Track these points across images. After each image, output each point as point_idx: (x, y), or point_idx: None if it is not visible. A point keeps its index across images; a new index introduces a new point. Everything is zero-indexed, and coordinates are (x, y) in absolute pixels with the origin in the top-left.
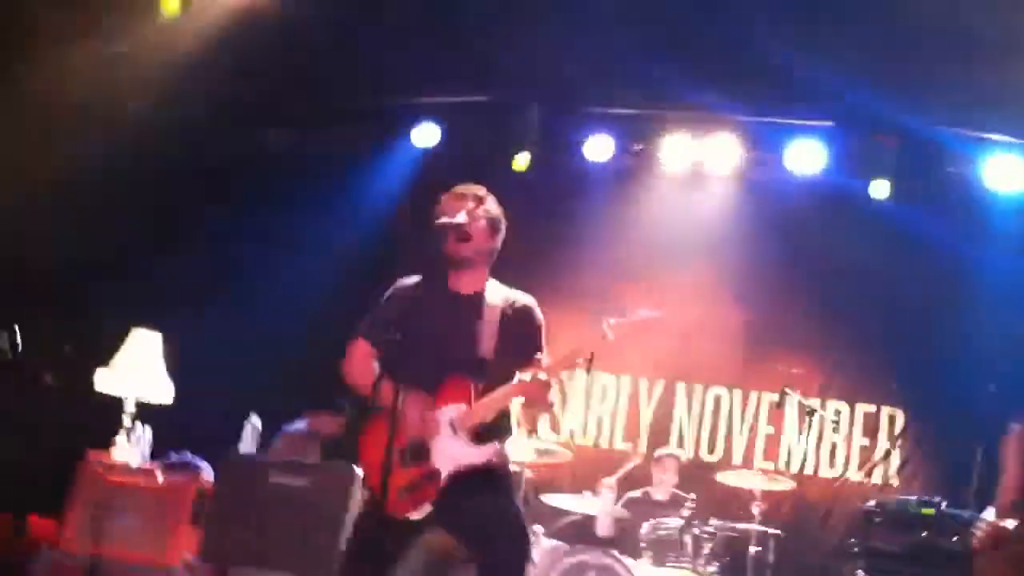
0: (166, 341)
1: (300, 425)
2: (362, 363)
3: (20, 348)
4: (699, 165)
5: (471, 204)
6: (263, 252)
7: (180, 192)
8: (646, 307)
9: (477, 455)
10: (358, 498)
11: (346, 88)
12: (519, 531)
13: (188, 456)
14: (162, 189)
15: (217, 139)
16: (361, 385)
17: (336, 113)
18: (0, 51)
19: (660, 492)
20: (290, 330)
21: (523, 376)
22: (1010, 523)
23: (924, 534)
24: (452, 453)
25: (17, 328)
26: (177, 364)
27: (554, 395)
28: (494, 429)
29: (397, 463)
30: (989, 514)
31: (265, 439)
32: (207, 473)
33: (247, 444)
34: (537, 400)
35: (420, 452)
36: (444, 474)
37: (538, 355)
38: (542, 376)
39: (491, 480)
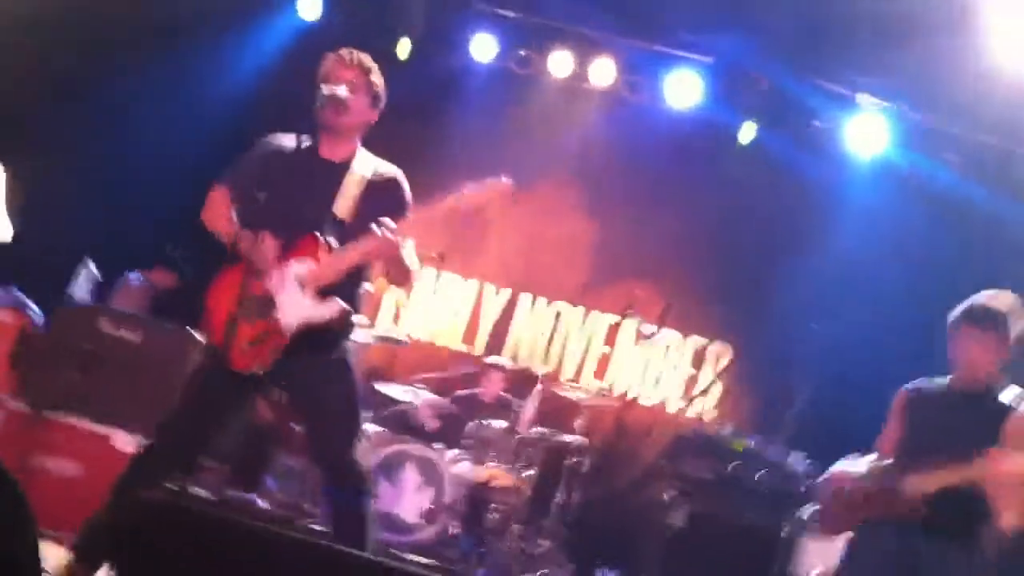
0: (14, 177)
1: (135, 275)
2: (221, 209)
3: None
4: (579, 80)
5: (356, 74)
6: (130, 98)
7: (55, 33)
8: (501, 244)
9: (320, 311)
10: (194, 359)
11: None
12: (354, 411)
13: (16, 293)
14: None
15: None
16: (223, 232)
17: None
18: None
19: (487, 395)
20: (146, 179)
21: (374, 230)
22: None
23: (733, 466)
24: (297, 309)
25: None
26: (21, 200)
27: (410, 260)
28: (342, 289)
29: (243, 316)
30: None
31: (102, 288)
32: (34, 314)
33: (81, 289)
34: (391, 262)
35: (266, 305)
36: (288, 331)
37: (398, 220)
38: (391, 236)
39: (336, 343)
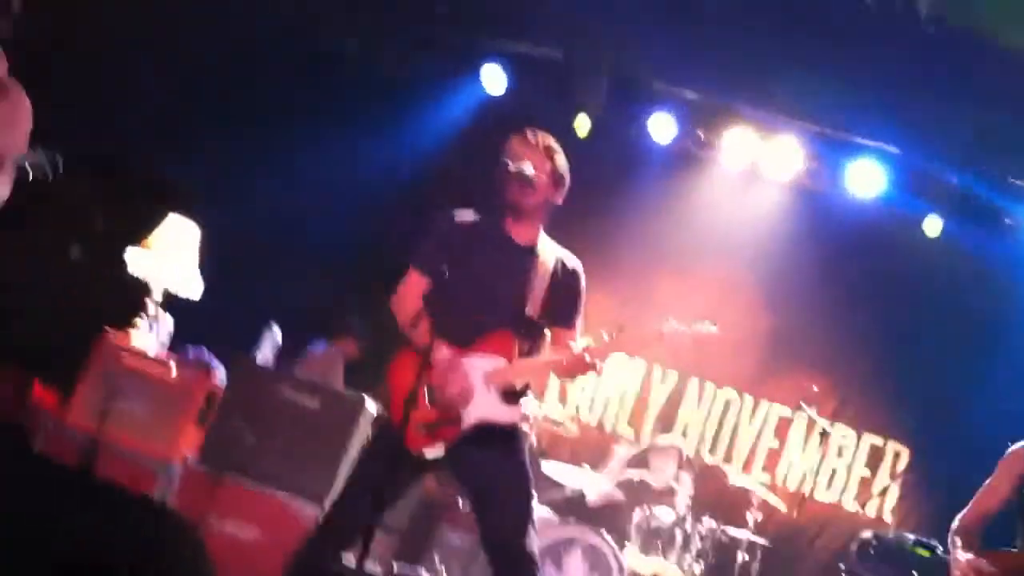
0: (204, 234)
1: (321, 343)
2: (413, 294)
3: (60, 171)
4: (757, 165)
5: (541, 155)
6: (318, 162)
7: (244, 88)
8: (705, 318)
9: (504, 413)
10: (366, 429)
11: (423, 13)
12: (527, 498)
13: (205, 354)
14: (228, 82)
15: (287, 39)
16: (401, 317)
17: (407, 36)
18: None
19: (657, 480)
20: (329, 247)
21: (573, 349)
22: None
23: (914, 574)
24: (480, 405)
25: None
26: (210, 260)
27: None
28: (524, 391)
29: (423, 399)
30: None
31: (283, 352)
32: (221, 374)
33: (264, 353)
34: (573, 375)
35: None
36: (466, 423)
37: (576, 321)
38: (587, 357)
39: (511, 441)
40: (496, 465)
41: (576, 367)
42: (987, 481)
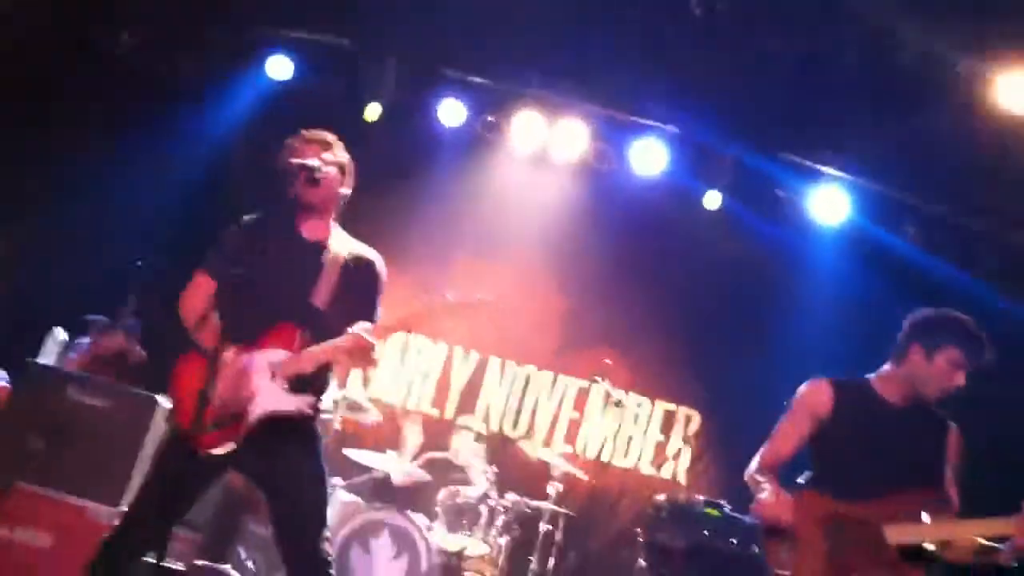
0: None
1: (85, 341)
2: (198, 297)
3: None
4: (546, 148)
5: (321, 149)
6: (99, 165)
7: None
8: (480, 289)
9: (290, 403)
10: (160, 428)
11: (203, 8)
12: (320, 490)
13: None
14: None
15: (56, 40)
16: (188, 319)
17: (189, 33)
18: None
19: (459, 458)
20: (113, 247)
21: (352, 333)
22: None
23: (706, 533)
24: (265, 397)
25: None
26: None
27: (377, 354)
28: (312, 381)
29: (209, 399)
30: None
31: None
32: (3, 380)
33: (49, 356)
34: (361, 359)
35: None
36: (253, 416)
37: (374, 313)
38: (370, 338)
39: (299, 431)
40: (286, 458)
41: (358, 350)
42: (783, 420)
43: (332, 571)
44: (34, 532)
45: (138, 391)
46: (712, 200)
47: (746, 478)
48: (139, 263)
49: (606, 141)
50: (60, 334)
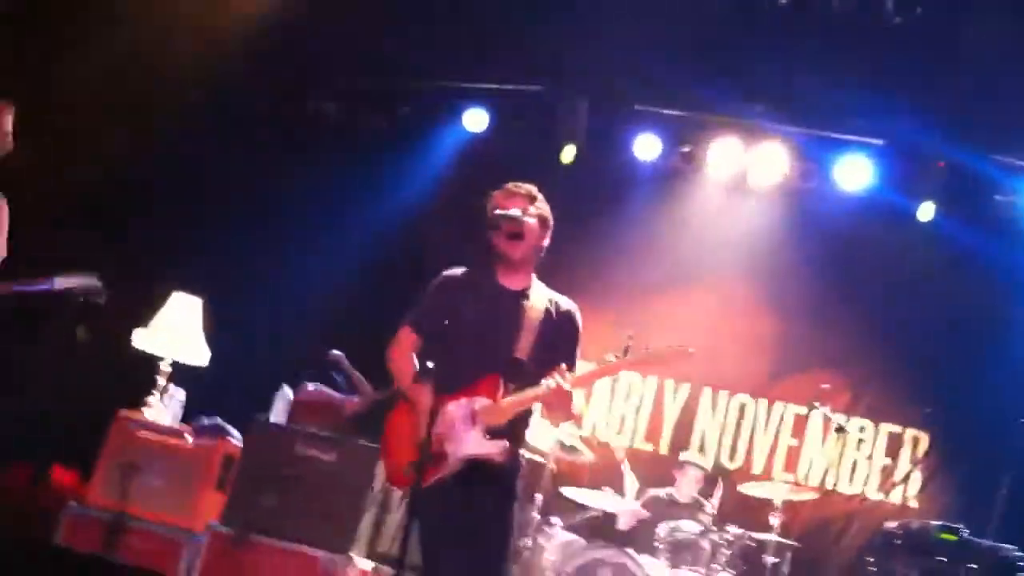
0: (206, 308)
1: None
2: (403, 352)
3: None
4: (744, 173)
5: (524, 202)
6: (306, 226)
7: (229, 160)
8: (679, 341)
9: (485, 447)
10: (382, 476)
11: (397, 66)
12: (504, 534)
13: (218, 421)
14: (211, 157)
15: (269, 109)
16: (399, 377)
17: (386, 90)
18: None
19: (681, 495)
20: (324, 306)
21: (549, 383)
22: None
23: (941, 559)
24: (463, 441)
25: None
26: (215, 331)
27: (579, 406)
28: (508, 428)
29: (418, 446)
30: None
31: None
32: (236, 439)
33: (277, 414)
34: (560, 408)
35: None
36: (452, 460)
37: (574, 361)
38: (566, 386)
39: (493, 476)
40: (475, 502)
41: (556, 399)
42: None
43: None
44: None
45: (363, 442)
46: (925, 211)
47: None
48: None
49: (808, 160)
50: (287, 392)
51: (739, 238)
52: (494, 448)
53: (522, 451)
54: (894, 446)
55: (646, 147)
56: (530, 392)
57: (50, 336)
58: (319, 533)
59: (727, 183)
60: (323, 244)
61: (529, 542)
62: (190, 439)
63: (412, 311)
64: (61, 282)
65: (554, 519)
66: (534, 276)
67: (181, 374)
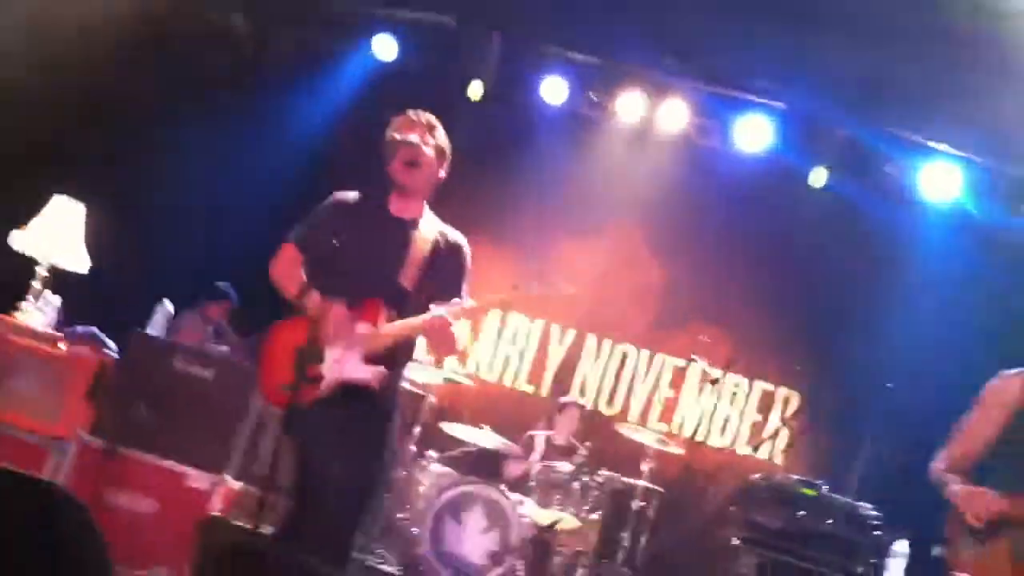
0: (89, 215)
1: (188, 315)
2: (288, 267)
3: None
4: (649, 126)
5: (423, 131)
6: (205, 138)
7: (130, 73)
8: (566, 279)
9: (361, 372)
10: (260, 397)
11: None
12: (378, 459)
13: (94, 330)
14: (114, 71)
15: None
16: (286, 289)
17: (296, 9)
18: None
19: (559, 437)
20: (217, 228)
21: (432, 313)
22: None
23: (802, 513)
24: (340, 365)
25: None
26: (96, 240)
27: (462, 340)
28: (388, 356)
29: (305, 362)
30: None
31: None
32: (111, 350)
33: (156, 328)
34: (442, 340)
35: (314, 356)
36: (326, 381)
37: (461, 295)
38: (450, 319)
39: (369, 402)
40: (346, 427)
41: (437, 330)
42: (969, 418)
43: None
44: (138, 497)
45: (244, 362)
46: (818, 177)
47: (935, 477)
48: None
49: (709, 117)
50: (168, 306)
51: (638, 189)
52: (370, 374)
53: (402, 382)
54: (766, 403)
55: (554, 90)
56: (413, 321)
57: None
58: (191, 450)
59: (631, 134)
60: (222, 159)
61: (404, 472)
62: (63, 346)
63: (297, 228)
64: None
65: (431, 452)
66: (426, 207)
67: (59, 282)
